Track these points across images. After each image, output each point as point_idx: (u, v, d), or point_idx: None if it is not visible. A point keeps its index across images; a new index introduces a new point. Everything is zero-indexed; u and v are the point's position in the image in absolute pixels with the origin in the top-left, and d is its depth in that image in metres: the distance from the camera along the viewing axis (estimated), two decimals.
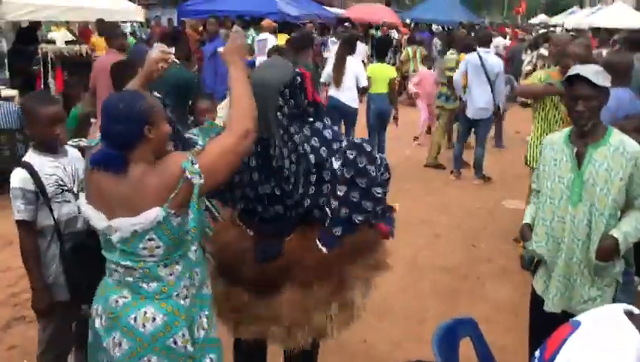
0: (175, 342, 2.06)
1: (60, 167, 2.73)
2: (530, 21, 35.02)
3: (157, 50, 2.37)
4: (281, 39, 11.79)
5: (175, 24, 14.86)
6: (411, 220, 5.82)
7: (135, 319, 2.05)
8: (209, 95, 5.58)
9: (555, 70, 4.88)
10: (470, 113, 7.27)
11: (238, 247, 2.48)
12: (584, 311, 2.71)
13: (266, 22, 10.67)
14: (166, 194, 1.95)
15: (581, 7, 30.39)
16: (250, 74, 2.36)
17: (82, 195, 2.16)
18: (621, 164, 2.65)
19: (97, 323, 2.15)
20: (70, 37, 7.86)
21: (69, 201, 2.73)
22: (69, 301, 2.75)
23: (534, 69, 13.12)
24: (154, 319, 2.04)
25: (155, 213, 1.94)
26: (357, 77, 6.89)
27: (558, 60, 4.90)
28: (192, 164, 1.95)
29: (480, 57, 7.15)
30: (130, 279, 2.07)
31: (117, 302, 2.08)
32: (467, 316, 2.58)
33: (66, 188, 2.73)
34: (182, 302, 2.09)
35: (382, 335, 3.90)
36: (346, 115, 6.96)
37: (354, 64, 7.00)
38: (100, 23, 9.45)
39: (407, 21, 23.00)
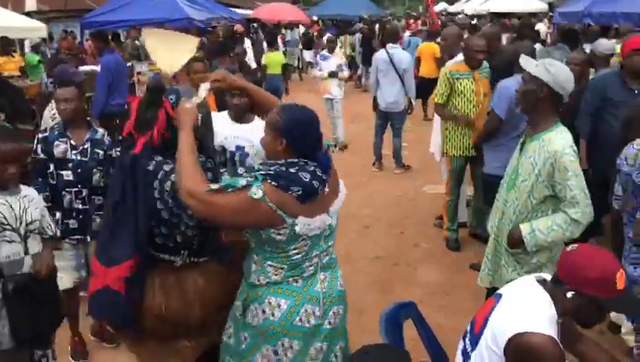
0: None
1: (5, 204, 2.65)
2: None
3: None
4: None
5: (79, 36, 14.37)
6: (340, 215, 6.02)
7: (342, 285, 2.39)
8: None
9: (461, 63, 5.22)
10: (382, 106, 7.60)
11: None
12: None
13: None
14: None
15: None
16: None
17: (302, 219, 2.15)
18: (542, 159, 2.76)
19: (313, 320, 2.25)
20: None
21: (10, 241, 2.64)
22: (12, 349, 2.65)
23: None
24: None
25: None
26: None
27: (465, 53, 5.19)
28: None
29: (388, 53, 7.50)
30: (328, 257, 2.33)
31: (330, 283, 2.34)
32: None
33: (8, 227, 2.63)
34: None
35: None
36: None
37: None
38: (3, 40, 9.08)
39: (315, 18, 23.33)
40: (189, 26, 11.96)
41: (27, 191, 2.79)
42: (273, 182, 2.09)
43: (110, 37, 11.83)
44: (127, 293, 2.35)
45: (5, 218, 2.64)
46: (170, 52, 2.44)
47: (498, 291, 2.18)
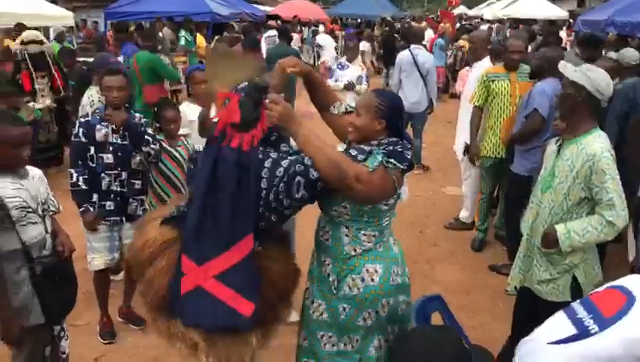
0: None
1: (22, 188, 2.67)
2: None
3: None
4: (202, 40, 11.85)
5: (102, 27, 14.54)
6: None
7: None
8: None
9: (500, 66, 5.29)
10: (405, 107, 7.62)
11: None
12: (539, 291, 3.05)
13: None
14: None
15: None
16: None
17: (403, 189, 2.48)
18: (580, 162, 2.80)
19: (398, 278, 2.50)
20: (32, 37, 7.59)
21: (35, 223, 2.69)
22: (42, 324, 2.73)
23: (454, 61, 13.84)
24: None
25: None
26: None
27: (505, 56, 5.26)
28: None
29: (412, 54, 7.55)
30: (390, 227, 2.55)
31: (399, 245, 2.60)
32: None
33: (30, 209, 2.67)
34: None
35: None
36: None
37: None
38: (20, 27, 9.21)
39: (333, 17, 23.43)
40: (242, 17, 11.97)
41: (31, 171, 2.81)
42: (391, 159, 2.35)
43: (134, 28, 11.99)
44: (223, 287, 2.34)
45: (26, 201, 2.67)
46: (227, 71, 2.54)
47: (624, 286, 2.13)
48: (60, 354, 2.98)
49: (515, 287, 3.26)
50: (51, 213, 2.89)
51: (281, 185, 2.32)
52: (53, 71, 7.15)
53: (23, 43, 7.15)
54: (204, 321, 2.33)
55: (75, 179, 3.62)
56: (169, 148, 3.93)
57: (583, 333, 2.03)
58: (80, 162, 3.63)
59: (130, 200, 3.73)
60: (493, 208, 5.76)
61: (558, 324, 2.12)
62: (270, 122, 2.31)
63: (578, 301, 2.11)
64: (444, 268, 5.15)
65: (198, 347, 2.37)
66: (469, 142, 5.47)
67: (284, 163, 2.36)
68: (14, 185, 2.63)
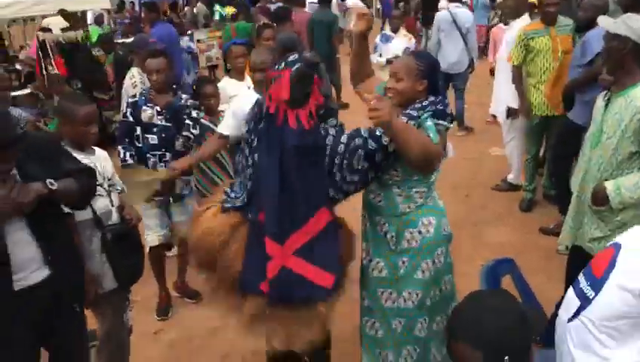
0: None
1: (91, 163, 2.83)
2: None
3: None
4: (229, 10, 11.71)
5: (137, 7, 14.66)
6: None
7: None
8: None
9: (537, 22, 5.09)
10: (444, 67, 7.46)
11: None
12: (591, 249, 2.99)
13: None
14: None
15: None
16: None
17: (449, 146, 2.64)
18: (629, 115, 2.71)
19: (447, 228, 2.69)
20: (65, 24, 7.80)
21: (102, 195, 2.85)
22: (115, 290, 2.91)
23: (500, 20, 13.38)
24: None
25: None
26: None
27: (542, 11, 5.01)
28: None
29: (451, 13, 7.35)
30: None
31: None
32: (506, 257, 2.87)
33: (98, 183, 2.82)
34: None
35: None
36: None
37: None
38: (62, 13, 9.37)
39: None
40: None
41: (98, 150, 2.98)
42: (440, 121, 2.43)
43: (169, 6, 12.06)
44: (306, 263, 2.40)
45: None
46: (137, 187, 2.78)
47: (615, 241, 2.13)
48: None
49: (567, 247, 3.21)
50: (117, 190, 3.02)
51: (344, 161, 2.40)
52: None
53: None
54: (289, 297, 2.40)
55: (122, 156, 3.77)
56: (210, 125, 3.95)
57: (584, 303, 2.05)
58: (127, 140, 3.76)
59: (176, 180, 3.78)
60: (539, 168, 5.65)
61: (569, 300, 2.14)
62: (375, 123, 2.29)
63: (583, 270, 2.11)
64: (493, 231, 5.10)
65: (258, 317, 2.45)
66: (510, 105, 5.33)
67: (343, 139, 2.43)
68: (85, 161, 2.77)
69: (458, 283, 3.76)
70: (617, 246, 2.04)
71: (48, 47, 7.24)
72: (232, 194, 2.61)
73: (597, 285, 2.00)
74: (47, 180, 2.34)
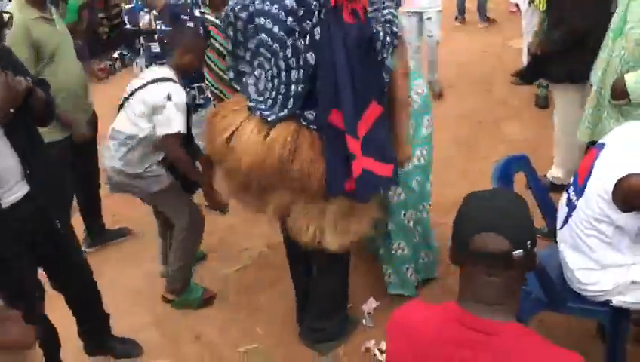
0: None
1: None
2: None
3: None
4: None
5: None
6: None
7: None
8: None
9: None
10: None
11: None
12: None
13: None
14: None
15: None
16: None
17: None
18: None
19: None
20: None
21: None
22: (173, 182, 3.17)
23: None
24: None
25: None
26: None
27: None
28: None
29: None
30: None
31: None
32: (520, 154, 2.86)
33: None
34: None
35: None
36: None
37: None
38: None
39: None
40: None
41: None
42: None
43: None
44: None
45: None
46: None
47: (600, 141, 2.17)
48: None
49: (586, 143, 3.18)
50: None
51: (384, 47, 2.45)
52: None
53: None
54: (365, 194, 2.49)
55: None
56: (215, 19, 3.72)
57: (570, 210, 2.14)
58: (129, 46, 3.74)
59: (187, 89, 3.57)
60: None
61: (561, 209, 2.23)
62: None
63: (572, 176, 2.17)
64: (510, 127, 5.12)
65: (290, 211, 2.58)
66: None
67: (380, 28, 2.43)
68: None
69: (475, 180, 3.90)
70: (600, 147, 2.09)
71: None
72: (262, 105, 2.51)
73: (579, 191, 2.09)
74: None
